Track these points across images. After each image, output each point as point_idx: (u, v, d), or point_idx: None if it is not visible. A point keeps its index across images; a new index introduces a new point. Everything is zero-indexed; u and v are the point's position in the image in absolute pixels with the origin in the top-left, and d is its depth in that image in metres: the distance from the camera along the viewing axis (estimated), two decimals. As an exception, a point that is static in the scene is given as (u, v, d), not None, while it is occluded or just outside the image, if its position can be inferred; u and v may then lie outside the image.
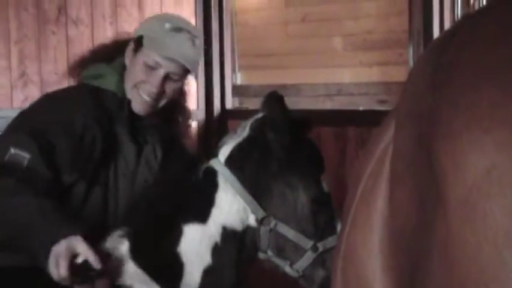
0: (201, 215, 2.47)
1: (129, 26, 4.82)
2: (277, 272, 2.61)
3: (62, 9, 4.54)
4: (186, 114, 3.18)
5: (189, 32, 2.81)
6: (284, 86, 6.48)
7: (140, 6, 4.98)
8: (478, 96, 0.98)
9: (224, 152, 2.55)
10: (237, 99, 5.72)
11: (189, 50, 2.79)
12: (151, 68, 2.75)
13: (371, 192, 1.27)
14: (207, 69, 5.39)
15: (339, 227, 2.47)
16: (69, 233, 2.22)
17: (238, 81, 6.08)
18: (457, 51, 1.10)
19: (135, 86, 2.79)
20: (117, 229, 2.52)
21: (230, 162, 2.52)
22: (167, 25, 2.79)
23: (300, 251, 2.51)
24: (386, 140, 1.29)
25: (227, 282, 2.49)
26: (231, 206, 2.48)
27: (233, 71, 5.62)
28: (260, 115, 2.59)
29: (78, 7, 4.60)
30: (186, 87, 3.07)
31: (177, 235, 2.45)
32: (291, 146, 2.53)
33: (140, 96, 2.78)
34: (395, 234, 1.19)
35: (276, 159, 2.52)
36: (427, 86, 1.12)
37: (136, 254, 2.41)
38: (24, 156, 2.46)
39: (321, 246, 2.50)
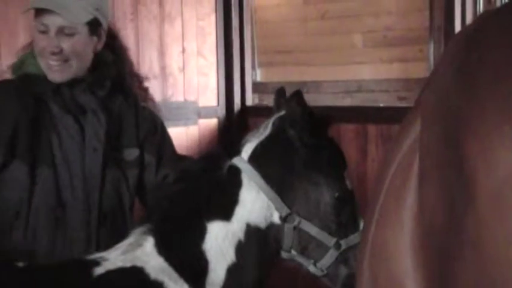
0: (225, 213, 2.47)
1: (149, 23, 4.89)
2: (299, 271, 2.60)
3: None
4: (135, 78, 3.15)
5: None
6: (304, 83, 6.50)
7: (160, 3, 4.98)
8: (507, 94, 0.98)
9: (247, 149, 2.55)
10: (256, 96, 5.72)
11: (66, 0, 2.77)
12: (42, 32, 2.76)
13: (400, 190, 1.26)
14: (227, 66, 5.41)
15: (361, 225, 2.47)
16: None
17: (258, 78, 6.09)
18: (485, 48, 1.10)
19: (40, 55, 2.81)
20: (139, 225, 2.54)
21: (253, 160, 2.52)
22: None
23: (323, 248, 2.51)
24: (412, 136, 1.28)
25: (250, 280, 2.49)
26: (254, 204, 2.49)
27: (253, 68, 5.62)
28: (282, 113, 2.59)
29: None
30: (121, 43, 3.10)
31: (201, 232, 2.45)
32: (313, 144, 2.53)
33: (47, 63, 2.80)
34: (424, 231, 1.18)
35: (299, 157, 2.52)
36: (454, 84, 1.12)
37: (162, 250, 2.42)
38: None
39: (343, 243, 2.50)
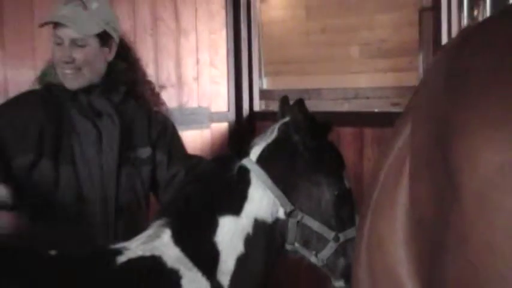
0: (235, 208, 2.48)
1: (167, 37, 4.90)
2: (302, 262, 2.60)
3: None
4: (147, 85, 3.15)
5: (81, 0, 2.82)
6: (306, 90, 6.50)
7: (177, 19, 4.97)
8: (491, 99, 0.98)
9: (255, 152, 2.55)
10: (263, 102, 5.72)
11: (75, 13, 2.78)
12: (58, 44, 2.80)
13: (393, 187, 1.26)
14: (237, 75, 5.40)
15: (358, 220, 2.47)
16: None
17: (264, 86, 6.09)
18: (471, 58, 1.10)
19: (56, 65, 2.85)
20: (158, 219, 2.54)
21: (261, 161, 2.53)
22: (62, 1, 2.84)
23: (323, 241, 2.51)
24: (402, 139, 1.28)
25: (258, 270, 2.50)
26: (262, 200, 2.48)
27: (260, 77, 5.62)
28: (286, 119, 2.59)
29: (124, 21, 4.61)
30: (133, 53, 3.10)
31: (213, 226, 2.45)
32: (314, 147, 2.53)
33: (62, 72, 2.83)
34: (415, 225, 1.18)
35: (302, 158, 2.52)
36: (443, 90, 1.12)
37: (178, 242, 2.42)
38: None
39: (342, 236, 2.50)
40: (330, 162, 2.58)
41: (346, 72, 6.71)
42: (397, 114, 1.40)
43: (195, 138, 5.01)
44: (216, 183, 2.55)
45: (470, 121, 1.00)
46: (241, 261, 2.45)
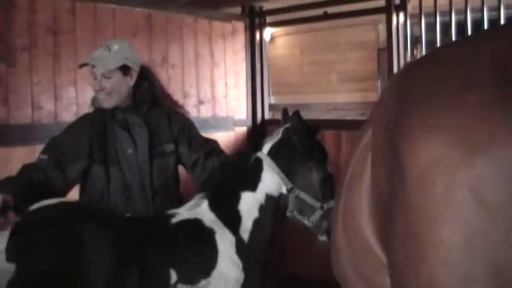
0: (252, 186, 2.48)
1: (205, 68, 4.88)
2: (298, 225, 2.59)
3: (165, 58, 4.56)
4: (168, 97, 3.03)
5: (106, 45, 2.75)
6: (300, 105, 6.44)
7: (212, 54, 4.96)
8: (426, 112, 0.98)
9: (266, 147, 2.55)
10: (271, 113, 5.72)
11: (101, 54, 2.72)
12: (94, 78, 2.75)
13: (360, 172, 1.26)
14: (253, 94, 5.37)
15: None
16: None
17: (272, 101, 6.08)
18: (412, 83, 1.10)
19: (95, 93, 2.81)
20: (198, 193, 2.56)
21: (270, 153, 2.52)
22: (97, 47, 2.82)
23: (313, 209, 2.50)
24: (366, 138, 1.28)
25: (267, 229, 2.50)
26: (271, 181, 2.49)
27: (269, 95, 5.62)
28: (287, 125, 2.59)
29: (174, 56, 4.63)
30: (153, 75, 2.97)
31: (237, 198, 2.47)
32: (307, 144, 2.54)
33: (99, 97, 2.77)
34: (376, 199, 1.18)
35: (298, 152, 2.52)
36: (394, 103, 1.12)
37: (213, 208, 2.44)
38: (43, 157, 2.64)
39: (325, 206, 2.49)
40: (318, 154, 2.57)
41: (328, 92, 6.69)
42: (363, 121, 1.40)
43: (224, 138, 4.95)
44: (239, 169, 2.56)
45: (412, 127, 0.99)
46: (256, 223, 2.45)
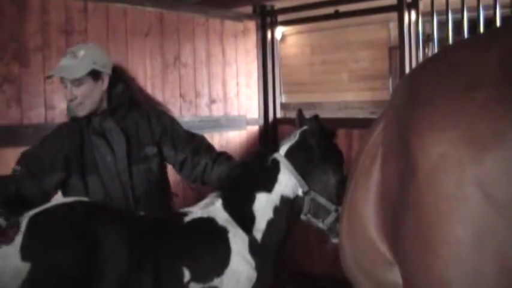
0: (269, 187, 2.47)
1: (217, 68, 4.88)
2: (311, 227, 2.59)
3: (177, 58, 4.56)
4: (150, 98, 2.94)
5: (72, 51, 2.63)
6: (312, 103, 6.49)
7: (224, 54, 4.96)
8: (436, 111, 0.99)
9: (283, 149, 2.54)
10: (282, 112, 5.73)
11: (68, 63, 2.59)
12: (64, 87, 2.62)
13: (368, 168, 1.26)
14: (265, 93, 5.36)
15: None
16: None
17: (283, 100, 6.08)
18: (422, 81, 1.11)
19: (67, 102, 2.70)
20: (213, 193, 2.55)
21: (287, 155, 2.52)
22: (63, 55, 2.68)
23: (327, 212, 2.49)
24: (376, 135, 1.28)
25: (280, 230, 2.49)
26: (287, 183, 2.47)
27: (280, 94, 5.62)
28: (305, 128, 2.58)
29: (186, 56, 4.63)
30: (128, 75, 2.85)
31: (252, 199, 2.45)
32: (324, 147, 2.53)
33: (72, 106, 2.68)
34: (384, 194, 1.18)
35: (315, 155, 2.51)
36: (405, 101, 1.13)
37: (227, 208, 2.43)
38: (16, 168, 2.56)
39: (340, 208, 2.44)
40: (334, 157, 2.56)
41: (339, 91, 6.69)
42: (374, 120, 1.41)
43: (236, 137, 5.02)
44: (256, 169, 2.54)
45: (422, 125, 1.01)
46: (270, 223, 2.44)
